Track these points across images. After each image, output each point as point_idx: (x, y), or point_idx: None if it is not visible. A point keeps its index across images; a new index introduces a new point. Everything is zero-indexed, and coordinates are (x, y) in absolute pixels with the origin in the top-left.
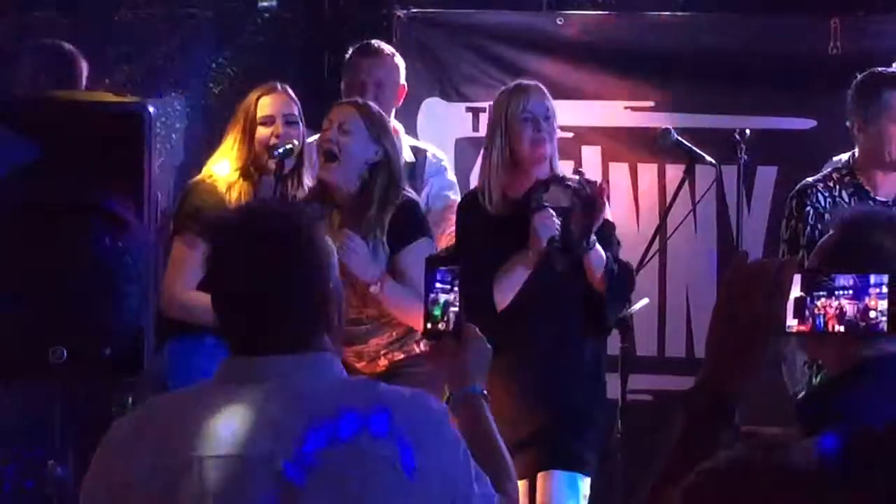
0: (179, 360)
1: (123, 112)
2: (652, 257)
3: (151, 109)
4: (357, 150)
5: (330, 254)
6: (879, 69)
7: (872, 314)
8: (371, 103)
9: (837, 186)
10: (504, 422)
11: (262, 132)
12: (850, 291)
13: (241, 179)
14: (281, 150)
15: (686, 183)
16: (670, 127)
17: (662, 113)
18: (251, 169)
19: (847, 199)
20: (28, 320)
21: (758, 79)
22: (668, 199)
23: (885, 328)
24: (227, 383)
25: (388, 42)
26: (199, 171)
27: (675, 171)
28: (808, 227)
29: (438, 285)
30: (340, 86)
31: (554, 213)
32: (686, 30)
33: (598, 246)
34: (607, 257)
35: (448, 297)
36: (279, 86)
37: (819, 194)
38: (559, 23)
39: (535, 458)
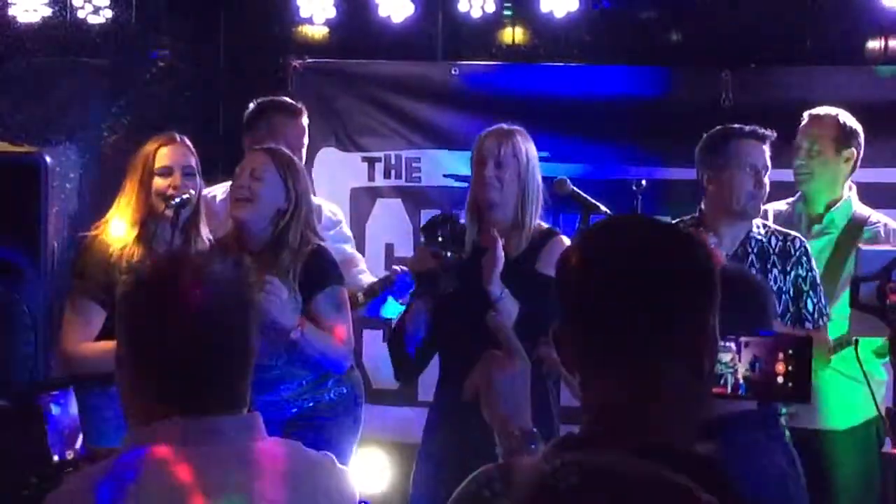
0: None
1: (19, 162)
2: None
3: (48, 159)
4: (269, 196)
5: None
6: (729, 125)
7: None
8: (283, 149)
9: None
10: None
11: (159, 183)
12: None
13: (135, 240)
14: (177, 200)
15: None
16: (566, 177)
17: (557, 163)
18: (147, 220)
19: None
20: None
21: (652, 130)
22: None
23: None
24: (193, 444)
25: (284, 92)
26: (94, 219)
27: (570, 221)
28: None
29: None
30: (246, 139)
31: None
32: (582, 81)
33: (506, 298)
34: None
35: None
36: (178, 137)
37: None
38: (454, 73)
39: None
